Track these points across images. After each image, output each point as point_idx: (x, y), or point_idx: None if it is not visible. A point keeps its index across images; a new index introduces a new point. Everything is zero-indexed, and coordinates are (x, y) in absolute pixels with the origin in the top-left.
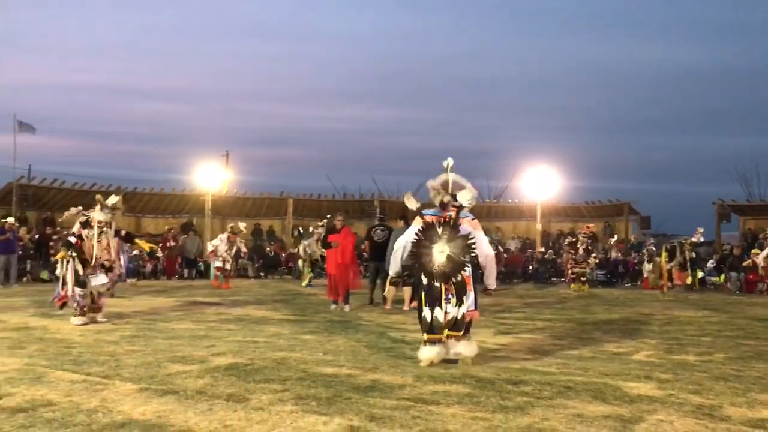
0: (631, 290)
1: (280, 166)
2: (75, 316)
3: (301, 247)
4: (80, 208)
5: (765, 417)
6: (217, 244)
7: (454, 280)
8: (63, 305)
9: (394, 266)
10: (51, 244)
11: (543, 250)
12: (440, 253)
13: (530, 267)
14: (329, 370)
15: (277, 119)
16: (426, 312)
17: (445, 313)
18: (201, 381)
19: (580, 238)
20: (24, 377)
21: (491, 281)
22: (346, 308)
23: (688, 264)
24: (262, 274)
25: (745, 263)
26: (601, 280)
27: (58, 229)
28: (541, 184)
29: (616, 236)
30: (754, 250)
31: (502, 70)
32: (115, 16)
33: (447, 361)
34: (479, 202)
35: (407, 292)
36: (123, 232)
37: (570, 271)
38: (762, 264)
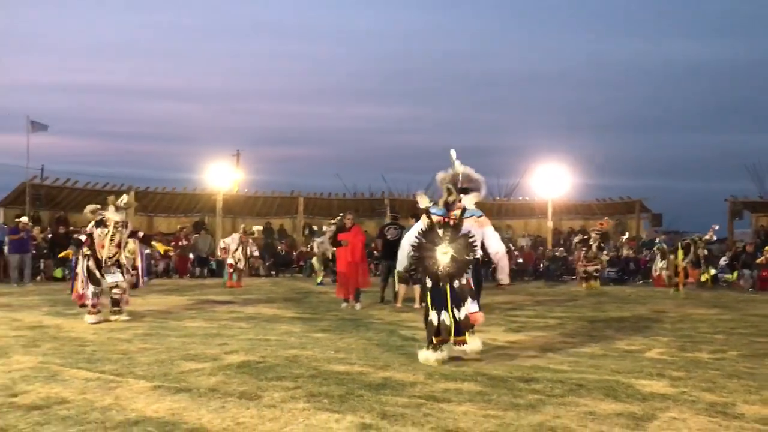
0: (642, 288)
1: (291, 165)
2: (89, 314)
3: (314, 245)
4: (99, 206)
5: None
6: (229, 242)
7: (458, 282)
8: (83, 304)
9: (401, 262)
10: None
11: (554, 247)
12: (444, 254)
13: (541, 265)
14: (341, 368)
15: (287, 118)
16: (433, 315)
17: (453, 316)
18: (213, 379)
19: (593, 236)
20: (39, 375)
21: (504, 276)
22: (357, 306)
23: (701, 261)
24: (273, 272)
25: (758, 260)
26: (613, 277)
27: (71, 228)
28: (551, 181)
29: (627, 234)
30: (767, 248)
31: (512, 67)
32: (125, 16)
33: (454, 359)
34: (490, 200)
35: (418, 290)
36: (140, 234)
37: (582, 270)
38: None
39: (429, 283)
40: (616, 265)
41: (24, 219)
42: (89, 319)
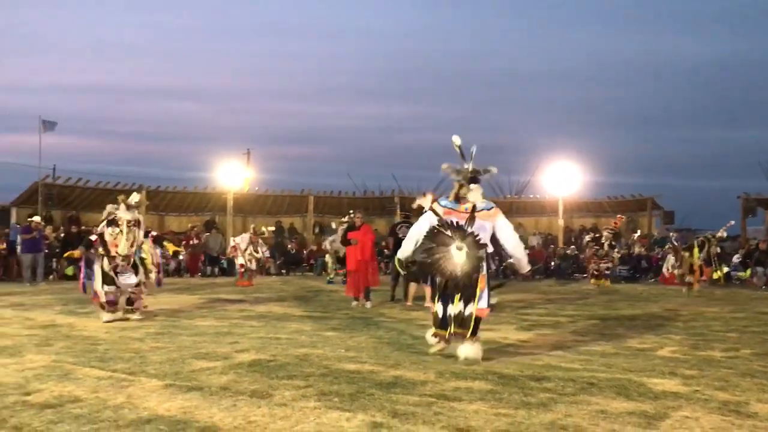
0: (654, 286)
1: (301, 164)
2: (104, 312)
3: (326, 243)
4: (116, 206)
5: None
6: (239, 241)
7: (472, 278)
8: (102, 304)
9: (404, 251)
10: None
11: (565, 245)
12: (458, 250)
13: (552, 263)
14: (351, 367)
15: (297, 117)
16: (438, 307)
17: (458, 310)
18: (225, 377)
19: (605, 234)
20: (52, 374)
21: (523, 265)
22: (368, 305)
23: (713, 259)
24: (283, 271)
25: None
26: (624, 275)
27: (83, 228)
28: (562, 179)
29: (639, 231)
30: None
31: (522, 65)
32: (136, 16)
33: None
34: (500, 198)
35: (428, 288)
36: (153, 233)
37: (593, 268)
38: None
39: (439, 279)
40: (627, 263)
41: (36, 218)
42: (103, 317)
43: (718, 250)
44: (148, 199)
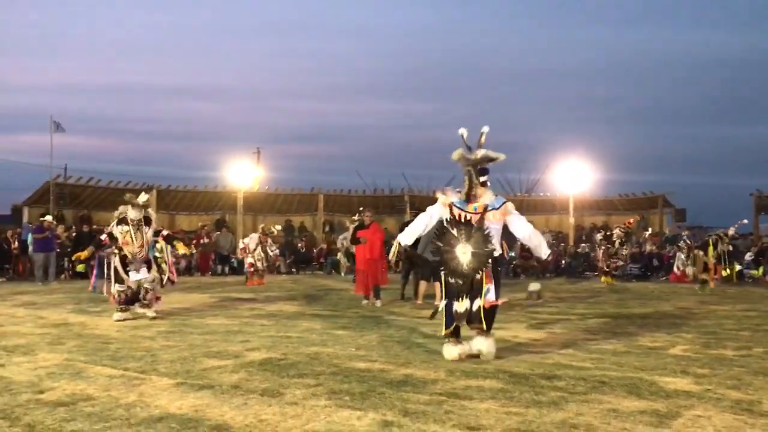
0: (665, 284)
1: (311, 163)
2: (116, 311)
3: (338, 241)
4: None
5: None
6: (248, 242)
7: (478, 275)
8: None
9: (406, 238)
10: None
11: (576, 243)
12: (464, 253)
13: (563, 261)
14: (362, 365)
15: (306, 116)
16: (443, 305)
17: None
18: (236, 376)
19: (616, 232)
20: (64, 372)
21: (543, 252)
22: (378, 303)
23: (725, 257)
24: (293, 269)
25: None
26: (636, 273)
27: (95, 227)
28: (573, 177)
29: (650, 229)
30: None
31: (532, 62)
32: (146, 16)
33: (471, 356)
34: (511, 196)
35: (439, 287)
36: (165, 233)
37: (604, 266)
38: None
39: (447, 277)
40: (638, 261)
41: (48, 218)
42: (114, 315)
43: (730, 248)
44: (159, 198)
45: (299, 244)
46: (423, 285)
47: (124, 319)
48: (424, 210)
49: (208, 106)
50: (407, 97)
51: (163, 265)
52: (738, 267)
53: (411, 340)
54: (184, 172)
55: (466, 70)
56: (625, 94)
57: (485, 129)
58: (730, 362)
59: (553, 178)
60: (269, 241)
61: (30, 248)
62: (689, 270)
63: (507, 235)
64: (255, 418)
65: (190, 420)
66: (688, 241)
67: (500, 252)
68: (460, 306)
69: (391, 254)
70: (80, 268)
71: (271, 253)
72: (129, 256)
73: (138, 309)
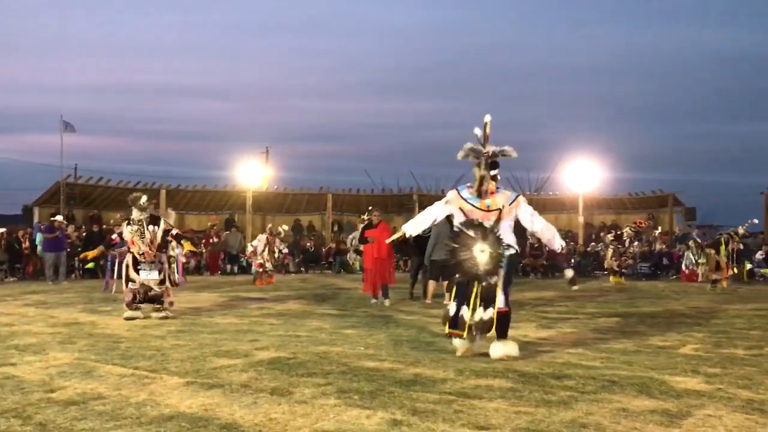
0: (675, 283)
1: (319, 162)
2: (128, 310)
3: (348, 240)
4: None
5: None
6: (256, 245)
7: (491, 279)
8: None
9: (411, 228)
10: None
11: (585, 242)
12: (481, 252)
13: (572, 260)
14: (371, 364)
15: (315, 115)
16: (452, 306)
17: (473, 314)
18: (245, 375)
19: (626, 232)
20: (75, 371)
21: (556, 244)
22: (386, 302)
23: (733, 256)
24: (302, 268)
25: None
26: (645, 273)
27: (105, 226)
28: (583, 175)
29: (660, 228)
30: None
31: (543, 60)
32: (158, 16)
33: (484, 355)
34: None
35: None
36: (173, 232)
37: (614, 266)
38: None
39: (459, 278)
40: (648, 260)
41: (59, 218)
42: (125, 314)
43: (741, 246)
44: (168, 197)
45: (308, 244)
46: (432, 285)
47: (134, 318)
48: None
49: (217, 106)
50: (417, 96)
51: (173, 265)
52: (749, 266)
53: (420, 340)
54: (194, 171)
55: (476, 68)
56: (636, 92)
57: (488, 118)
58: (741, 361)
59: (562, 176)
60: (277, 240)
61: (39, 248)
62: (701, 269)
63: (517, 233)
64: (264, 416)
65: (200, 419)
66: (698, 240)
67: (516, 250)
68: (471, 314)
69: (390, 238)
70: (90, 264)
71: (277, 252)
72: (138, 257)
73: (151, 312)
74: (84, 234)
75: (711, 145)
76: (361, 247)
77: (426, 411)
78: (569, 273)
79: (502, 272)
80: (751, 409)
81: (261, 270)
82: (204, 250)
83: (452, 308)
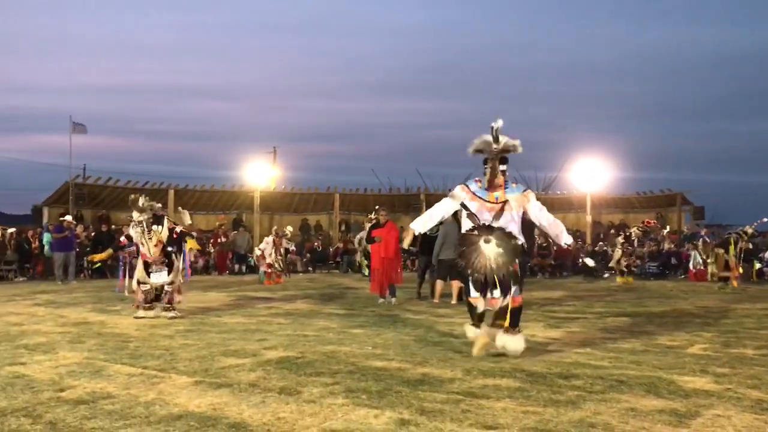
0: (684, 282)
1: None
2: (139, 309)
3: (356, 240)
4: (159, 205)
5: None
6: (264, 247)
7: (506, 271)
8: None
9: (419, 226)
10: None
11: (593, 242)
12: (487, 243)
13: (580, 260)
14: (379, 364)
15: (322, 115)
16: (474, 298)
17: (492, 298)
18: (253, 374)
19: (634, 231)
20: (84, 370)
21: (564, 240)
22: (393, 301)
23: (740, 255)
24: (310, 268)
25: None
26: (654, 272)
27: (113, 227)
28: (590, 174)
29: (668, 227)
30: None
31: (549, 59)
32: (164, 17)
33: (496, 355)
34: None
35: (455, 286)
36: (177, 230)
37: (622, 266)
38: None
39: (471, 273)
40: (657, 260)
41: (68, 218)
42: (135, 314)
43: (750, 246)
44: (177, 197)
45: (315, 243)
46: (440, 284)
47: (144, 317)
48: None
49: (226, 106)
50: (423, 95)
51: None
52: (758, 265)
53: (428, 339)
54: (202, 171)
55: (484, 67)
56: (644, 91)
57: (499, 123)
58: (751, 361)
59: (570, 175)
60: (284, 240)
61: (45, 248)
62: (710, 268)
63: (525, 233)
64: (273, 416)
65: (209, 418)
66: (707, 239)
67: (523, 242)
68: (492, 294)
69: (405, 243)
70: (97, 263)
71: (282, 250)
72: (148, 258)
73: (161, 312)
74: (93, 234)
75: (720, 144)
76: (369, 247)
77: (434, 411)
78: (590, 261)
79: (515, 263)
80: (760, 410)
81: (269, 270)
82: (212, 250)
83: (475, 302)
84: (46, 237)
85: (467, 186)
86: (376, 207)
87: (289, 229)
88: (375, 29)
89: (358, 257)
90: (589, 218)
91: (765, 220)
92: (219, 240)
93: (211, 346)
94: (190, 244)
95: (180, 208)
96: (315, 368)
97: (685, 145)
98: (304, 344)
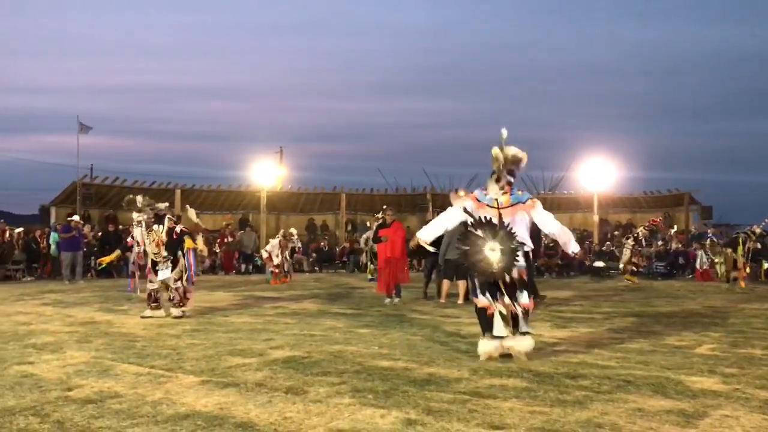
0: (691, 282)
1: (333, 161)
2: (146, 308)
3: (362, 239)
4: (166, 204)
5: None
6: (270, 250)
7: (512, 274)
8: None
9: (425, 234)
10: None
11: (600, 242)
12: (492, 251)
13: (587, 260)
14: (385, 364)
15: (328, 115)
16: (484, 304)
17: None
18: (260, 374)
19: (641, 231)
20: (92, 370)
21: (571, 248)
22: (397, 300)
23: (748, 255)
24: (316, 268)
25: None
26: (661, 272)
27: (120, 227)
28: (598, 174)
29: (675, 227)
30: None
31: (550, 59)
32: (170, 17)
33: (503, 355)
34: (534, 194)
35: (462, 285)
36: (178, 229)
37: (631, 266)
38: None
39: (478, 277)
40: (664, 260)
41: (76, 218)
42: (142, 313)
43: (758, 246)
44: (183, 197)
45: (322, 243)
46: (446, 284)
47: (151, 316)
48: (446, 209)
49: (232, 106)
50: (430, 95)
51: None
52: (766, 265)
53: (434, 339)
54: (208, 171)
55: (490, 67)
56: (651, 90)
57: (504, 133)
58: (759, 361)
59: (577, 175)
60: (289, 242)
61: (52, 248)
62: (718, 268)
63: (531, 234)
64: (279, 415)
65: (216, 417)
66: (715, 239)
67: (529, 246)
68: (503, 308)
69: (411, 243)
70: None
71: (289, 249)
72: (153, 257)
73: (170, 309)
74: (100, 234)
75: (728, 143)
76: (375, 248)
77: (440, 410)
78: (599, 263)
79: (520, 266)
80: None
81: (277, 271)
82: (219, 249)
83: (488, 308)
84: (54, 237)
85: (475, 196)
86: (383, 207)
87: (292, 231)
88: (375, 29)
89: (364, 257)
90: (596, 218)
91: None
92: (226, 240)
93: (218, 346)
94: (189, 244)
95: (188, 206)
96: (322, 368)
97: (690, 144)
98: (310, 344)
